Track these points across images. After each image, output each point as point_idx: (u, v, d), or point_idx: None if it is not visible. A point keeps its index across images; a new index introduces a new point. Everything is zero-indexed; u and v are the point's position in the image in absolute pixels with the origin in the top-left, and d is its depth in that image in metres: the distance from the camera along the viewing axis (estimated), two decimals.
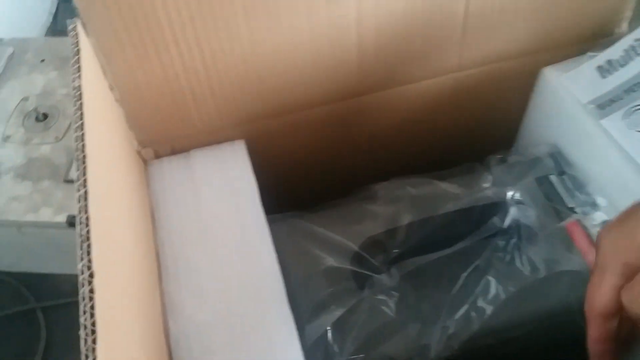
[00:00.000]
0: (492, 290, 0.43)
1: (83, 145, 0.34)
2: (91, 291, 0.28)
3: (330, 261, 0.45)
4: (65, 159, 0.91)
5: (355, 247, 0.46)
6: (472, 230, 0.46)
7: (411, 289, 0.44)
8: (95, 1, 0.41)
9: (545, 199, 0.49)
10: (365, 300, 0.43)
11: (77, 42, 0.40)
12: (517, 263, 0.45)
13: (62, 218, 0.84)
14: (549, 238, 0.46)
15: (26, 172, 0.89)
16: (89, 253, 0.29)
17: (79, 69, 0.37)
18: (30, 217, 0.84)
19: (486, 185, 0.49)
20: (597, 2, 0.54)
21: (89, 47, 0.43)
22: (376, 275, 0.44)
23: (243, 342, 0.40)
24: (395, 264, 0.46)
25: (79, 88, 0.36)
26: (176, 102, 0.49)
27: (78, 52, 0.39)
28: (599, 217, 0.47)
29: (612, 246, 0.30)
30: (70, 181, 0.88)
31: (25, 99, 0.99)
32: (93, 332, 0.26)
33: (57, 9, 1.54)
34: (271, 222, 0.47)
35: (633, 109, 0.46)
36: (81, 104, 0.36)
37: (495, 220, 0.47)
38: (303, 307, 0.43)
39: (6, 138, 0.94)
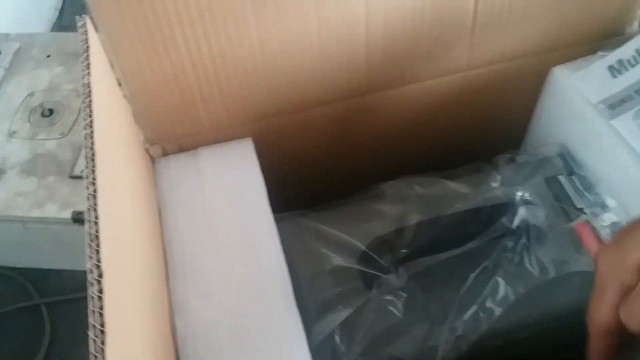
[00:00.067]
0: (501, 291, 0.43)
1: (92, 143, 0.34)
2: (100, 291, 0.27)
3: (338, 260, 0.45)
4: (70, 155, 0.91)
5: (363, 247, 0.45)
6: (480, 230, 0.46)
7: (419, 290, 0.44)
8: None
9: (554, 199, 0.48)
10: (373, 301, 0.43)
11: (87, 38, 0.39)
12: (526, 264, 0.45)
13: (67, 214, 0.84)
14: (558, 239, 0.46)
15: (32, 167, 0.89)
16: (98, 252, 0.29)
17: (88, 66, 0.37)
18: (35, 213, 0.84)
19: (495, 185, 0.49)
20: (608, 1, 0.53)
21: (98, 43, 0.42)
22: (384, 275, 0.44)
23: (250, 342, 0.40)
24: (403, 264, 0.45)
25: (88, 85, 0.36)
26: (184, 100, 0.49)
27: (87, 49, 0.39)
28: (608, 218, 0.47)
29: (608, 267, 0.31)
30: (76, 177, 0.88)
31: (31, 94, 0.99)
32: (102, 332, 0.26)
33: (63, 4, 1.55)
34: (278, 221, 0.47)
35: None
36: (90, 101, 0.35)
37: (504, 220, 0.46)
38: (310, 306, 0.43)
39: (12, 133, 0.94)
